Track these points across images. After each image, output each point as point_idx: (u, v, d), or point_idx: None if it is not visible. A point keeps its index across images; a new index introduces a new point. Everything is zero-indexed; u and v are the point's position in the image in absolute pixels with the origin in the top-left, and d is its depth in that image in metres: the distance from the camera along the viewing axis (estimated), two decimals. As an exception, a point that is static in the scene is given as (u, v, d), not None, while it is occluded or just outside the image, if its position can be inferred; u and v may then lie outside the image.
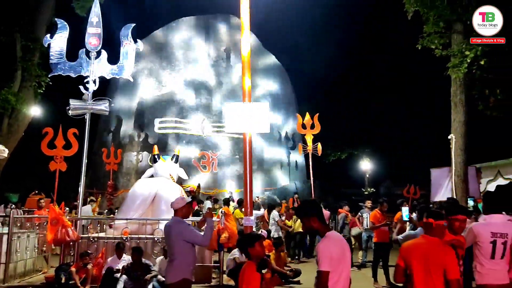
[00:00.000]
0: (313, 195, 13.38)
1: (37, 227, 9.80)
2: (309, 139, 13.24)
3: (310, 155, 13.33)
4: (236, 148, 23.16)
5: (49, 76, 10.98)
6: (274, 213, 12.08)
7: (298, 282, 9.01)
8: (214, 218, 7.92)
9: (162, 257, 8.05)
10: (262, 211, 12.99)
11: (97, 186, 20.16)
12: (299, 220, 11.15)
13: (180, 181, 13.14)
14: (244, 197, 6.25)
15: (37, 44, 14.60)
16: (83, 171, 9.43)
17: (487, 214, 4.46)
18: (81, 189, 9.37)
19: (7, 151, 10.87)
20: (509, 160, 14.21)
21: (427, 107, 30.30)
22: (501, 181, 14.55)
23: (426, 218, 3.77)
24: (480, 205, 10.87)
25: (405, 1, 11.86)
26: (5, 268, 8.28)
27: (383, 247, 9.01)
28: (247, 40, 6.51)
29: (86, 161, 9.51)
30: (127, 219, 9.34)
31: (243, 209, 8.00)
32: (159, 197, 9.65)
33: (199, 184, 18.70)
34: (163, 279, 6.34)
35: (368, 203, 11.11)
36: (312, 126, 13.32)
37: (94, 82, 9.79)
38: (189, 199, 5.15)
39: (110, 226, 9.76)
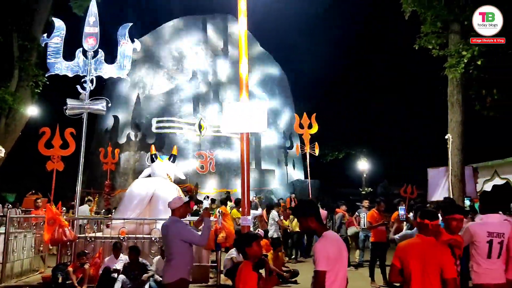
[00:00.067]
0: (310, 194, 13.40)
1: (34, 227, 9.79)
2: (306, 139, 13.27)
3: (307, 155, 13.36)
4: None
5: (46, 75, 10.92)
6: (274, 213, 12.05)
7: (295, 282, 9.03)
8: (212, 218, 7.92)
9: (159, 256, 8.03)
10: (260, 211, 12.99)
11: (95, 186, 20.10)
12: (295, 219, 11.15)
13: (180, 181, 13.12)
14: (241, 196, 6.25)
15: (34, 43, 14.56)
16: (80, 170, 9.40)
17: (484, 214, 4.47)
18: (78, 189, 9.34)
19: (4, 150, 10.87)
20: (506, 160, 14.21)
21: (424, 107, 30.33)
22: (497, 181, 14.54)
23: (420, 218, 3.78)
24: (476, 205, 10.90)
25: (403, 1, 11.87)
26: (2, 268, 8.27)
27: (381, 246, 9.04)
28: (245, 39, 6.52)
29: (83, 160, 9.51)
30: (124, 219, 9.33)
31: (240, 209, 8.00)
32: (156, 197, 9.63)
33: (196, 184, 18.69)
34: (160, 279, 6.33)
35: (365, 203, 11.12)
36: (310, 126, 13.35)
37: (91, 81, 9.76)
38: (186, 198, 5.16)
39: (107, 226, 9.76)
